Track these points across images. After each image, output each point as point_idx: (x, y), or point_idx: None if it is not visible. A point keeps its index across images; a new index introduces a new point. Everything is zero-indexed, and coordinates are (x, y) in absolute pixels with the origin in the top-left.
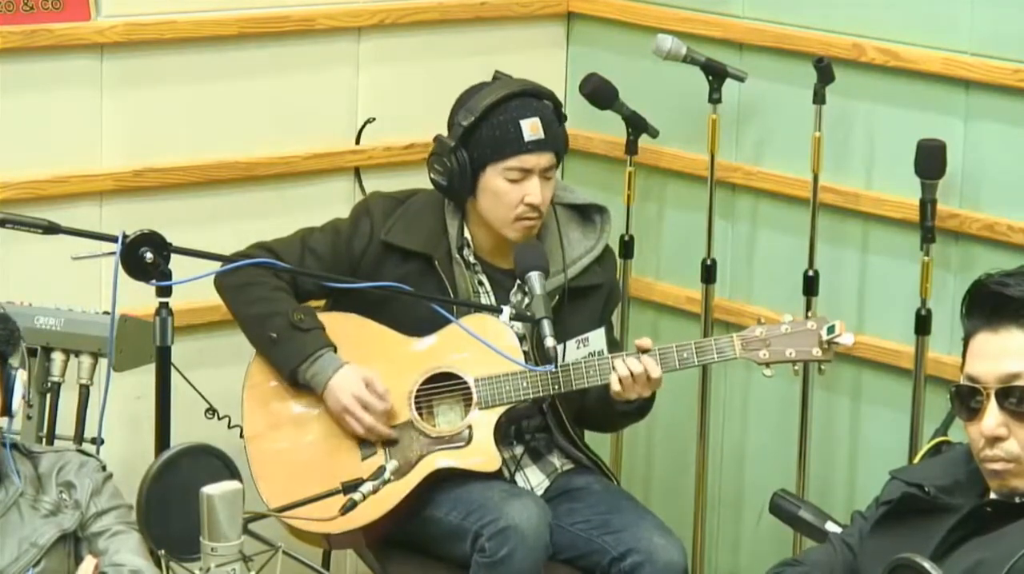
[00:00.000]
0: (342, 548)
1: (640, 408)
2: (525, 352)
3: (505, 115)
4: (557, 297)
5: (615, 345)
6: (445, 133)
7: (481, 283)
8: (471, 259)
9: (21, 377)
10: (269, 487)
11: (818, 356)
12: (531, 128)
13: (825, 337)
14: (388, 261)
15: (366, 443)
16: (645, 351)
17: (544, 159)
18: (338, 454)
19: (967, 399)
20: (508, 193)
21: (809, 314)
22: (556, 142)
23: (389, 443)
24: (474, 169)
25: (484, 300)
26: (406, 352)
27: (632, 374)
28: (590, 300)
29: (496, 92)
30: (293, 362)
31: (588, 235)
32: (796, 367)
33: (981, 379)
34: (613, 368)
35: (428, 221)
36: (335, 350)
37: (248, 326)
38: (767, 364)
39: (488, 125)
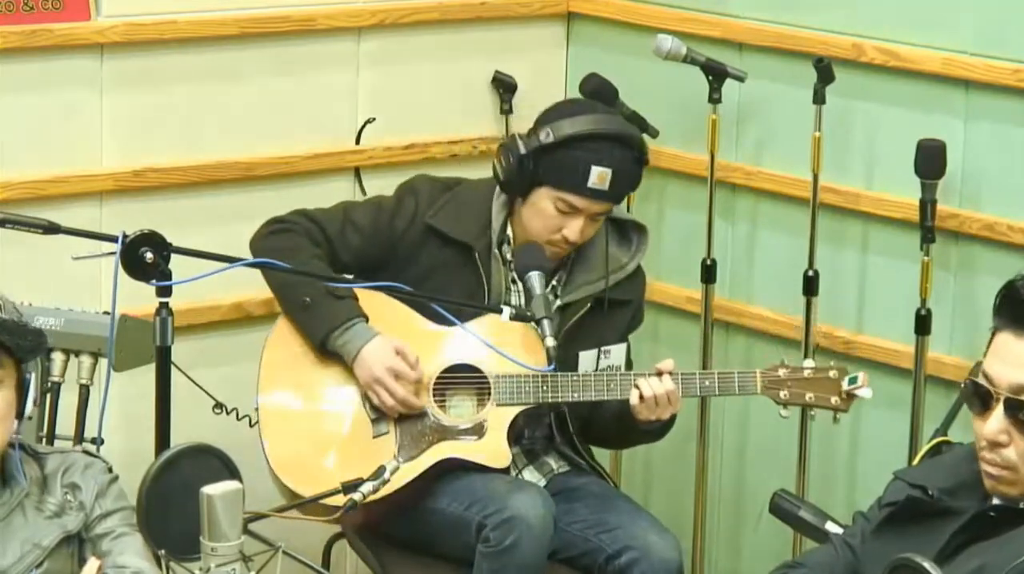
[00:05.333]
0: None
1: (660, 429)
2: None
3: (582, 153)
4: (589, 305)
5: (629, 366)
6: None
7: (514, 281)
8: (508, 256)
9: (33, 380)
10: (279, 454)
11: (836, 405)
12: (599, 177)
13: (846, 387)
14: (428, 244)
15: (379, 421)
16: (666, 373)
17: (597, 207)
18: (350, 429)
19: (979, 396)
20: (551, 218)
21: (833, 364)
22: (619, 195)
23: (401, 424)
24: (532, 179)
25: (514, 298)
26: (430, 339)
27: (655, 395)
28: (617, 315)
29: (587, 124)
30: (325, 328)
31: (623, 252)
32: (812, 412)
33: (995, 381)
34: (636, 386)
35: (475, 212)
36: (367, 320)
37: (282, 289)
38: (785, 405)
39: (562, 153)
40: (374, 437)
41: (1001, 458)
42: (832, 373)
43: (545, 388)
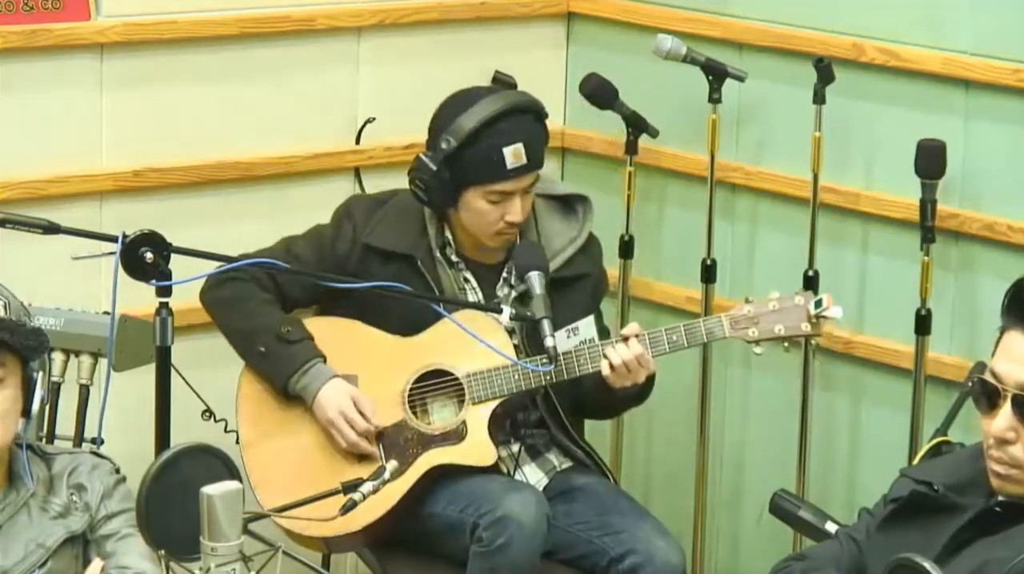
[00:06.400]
0: (341, 551)
1: (640, 393)
2: (516, 346)
3: (488, 141)
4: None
5: (605, 332)
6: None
7: (467, 280)
8: (453, 257)
9: (40, 379)
10: (267, 493)
11: (807, 331)
12: (514, 156)
13: (813, 311)
14: (372, 263)
15: None
16: (632, 337)
17: (525, 181)
18: (335, 458)
19: (986, 394)
20: (490, 212)
21: (797, 290)
22: (538, 160)
23: (385, 441)
24: (456, 188)
25: (471, 297)
26: (397, 352)
27: (624, 361)
28: (577, 290)
29: (479, 114)
30: (283, 376)
31: (571, 226)
32: (786, 344)
33: (1003, 379)
34: (604, 356)
35: (409, 222)
36: (324, 360)
37: (236, 341)
38: (757, 342)
39: (471, 151)
40: (359, 460)
41: (1008, 456)
42: (798, 299)
43: (518, 376)
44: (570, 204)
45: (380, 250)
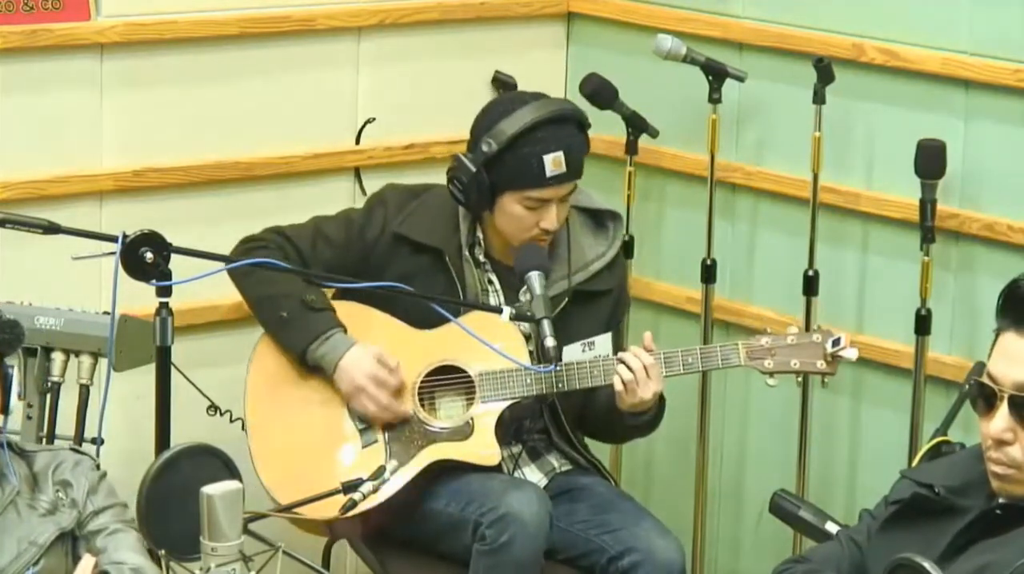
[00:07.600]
0: (343, 536)
1: (650, 422)
2: (531, 351)
3: (529, 148)
4: (567, 299)
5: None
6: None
7: (491, 282)
8: (481, 258)
9: (16, 375)
10: (269, 472)
11: (822, 369)
12: (554, 163)
13: (830, 350)
14: (399, 253)
15: (367, 431)
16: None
17: (563, 189)
18: (339, 441)
19: (984, 396)
20: (525, 218)
21: (816, 326)
22: (577, 170)
23: (390, 431)
24: (493, 191)
25: (493, 299)
26: (411, 343)
27: (634, 372)
28: (598, 305)
29: (522, 119)
30: (304, 341)
31: (600, 241)
32: (799, 378)
33: (999, 380)
34: (620, 360)
35: (441, 217)
36: (345, 331)
37: (258, 306)
38: (771, 374)
39: (511, 155)
40: (363, 447)
41: (1007, 457)
42: (815, 336)
43: (529, 381)
44: (601, 219)
45: (410, 240)
